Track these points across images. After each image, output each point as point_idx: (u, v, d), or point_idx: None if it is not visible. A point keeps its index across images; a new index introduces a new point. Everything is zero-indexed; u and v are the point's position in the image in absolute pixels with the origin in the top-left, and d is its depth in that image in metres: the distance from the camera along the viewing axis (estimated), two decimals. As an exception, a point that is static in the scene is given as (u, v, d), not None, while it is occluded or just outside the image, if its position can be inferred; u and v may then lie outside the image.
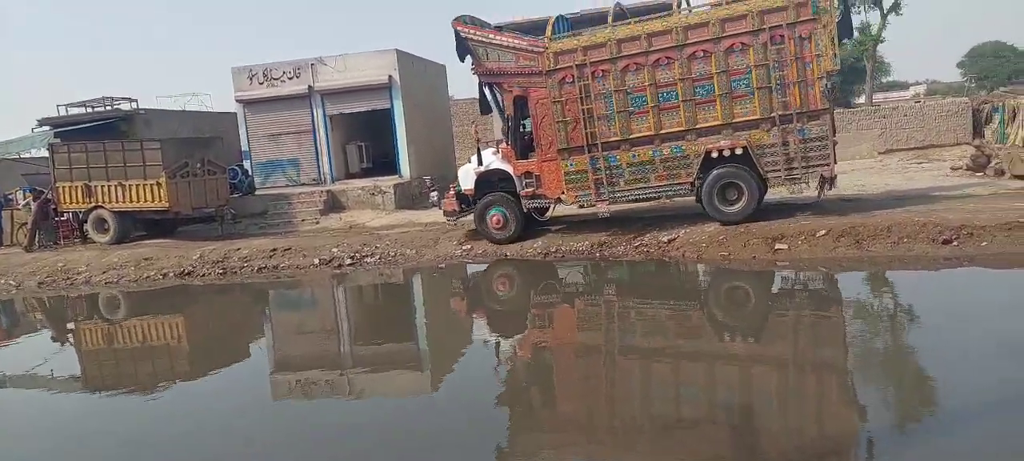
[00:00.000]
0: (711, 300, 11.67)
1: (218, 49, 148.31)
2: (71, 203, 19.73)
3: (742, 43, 13.07)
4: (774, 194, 14.67)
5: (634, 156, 14.03)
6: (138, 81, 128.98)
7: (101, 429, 8.11)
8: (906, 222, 12.29)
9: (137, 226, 20.01)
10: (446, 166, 25.06)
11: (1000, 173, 16.82)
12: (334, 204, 22.14)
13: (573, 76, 13.96)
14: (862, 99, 46.20)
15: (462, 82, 55.16)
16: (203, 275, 16.18)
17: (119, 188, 19.16)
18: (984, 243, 11.39)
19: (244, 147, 24.13)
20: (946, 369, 7.32)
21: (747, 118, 13.32)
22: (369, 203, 22.00)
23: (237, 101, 23.95)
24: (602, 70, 13.84)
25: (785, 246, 12.54)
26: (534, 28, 14.70)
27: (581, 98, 13.96)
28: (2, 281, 17.13)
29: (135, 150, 19.30)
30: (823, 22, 12.63)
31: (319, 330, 12.54)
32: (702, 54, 13.29)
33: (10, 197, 21.57)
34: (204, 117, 27.51)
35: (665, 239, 13.89)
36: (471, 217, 15.70)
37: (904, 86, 73.71)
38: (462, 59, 14.92)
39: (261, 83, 23.78)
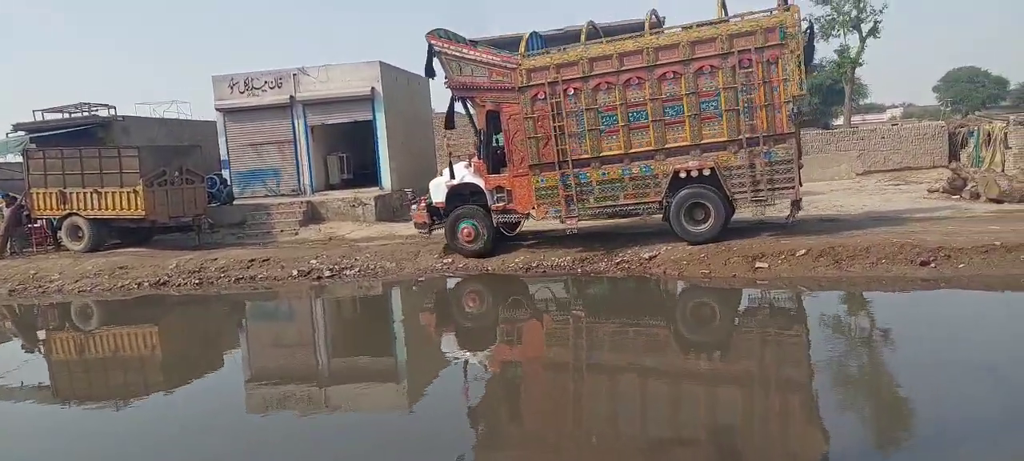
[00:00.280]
0: (690, 319, 11.69)
1: (199, 57, 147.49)
2: (45, 209, 19.38)
3: (711, 66, 13.20)
4: (746, 214, 14.75)
5: (604, 174, 14.08)
6: (117, 87, 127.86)
7: (68, 442, 7.96)
8: (884, 243, 12.41)
9: (112, 234, 19.68)
10: (428, 179, 24.67)
11: (976, 196, 17.05)
12: (314, 215, 21.94)
13: (545, 93, 14.03)
14: (840, 120, 46.84)
15: (446, 96, 54.95)
16: (179, 285, 15.97)
17: (95, 195, 18.85)
18: (961, 265, 11.54)
19: (223, 156, 23.88)
20: (923, 390, 7.38)
21: (715, 139, 13.42)
22: (349, 215, 21.83)
23: (217, 109, 23.72)
24: (574, 88, 13.92)
25: (766, 265, 12.62)
26: (509, 44, 14.77)
27: (553, 115, 14.02)
28: (-29, 288, 16.77)
29: (112, 157, 19.01)
30: (790, 48, 12.77)
31: (295, 343, 12.41)
32: (672, 75, 13.40)
33: (-18, 202, 21.16)
34: (184, 125, 27.29)
35: (646, 256, 13.92)
36: (443, 231, 15.65)
37: (881, 109, 74.90)
38: (430, 75, 15.00)
39: (242, 92, 23.58)
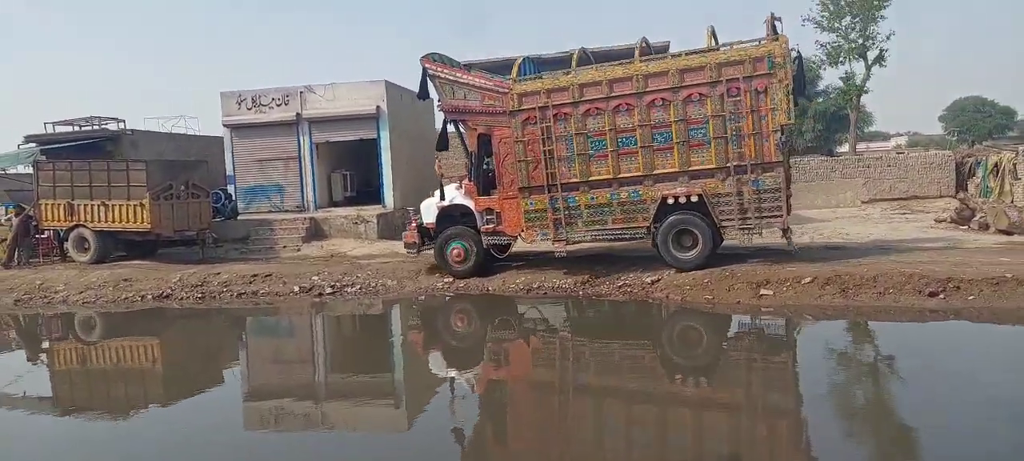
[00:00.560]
0: (693, 346, 11.60)
1: (199, 57, 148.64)
2: (53, 221, 19.59)
3: (700, 93, 13.28)
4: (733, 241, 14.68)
5: (592, 198, 14.15)
6: (117, 88, 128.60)
7: (67, 451, 8.03)
8: (892, 273, 12.26)
9: (118, 246, 19.87)
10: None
11: (984, 227, 16.95)
12: (316, 232, 22.02)
13: (536, 117, 14.16)
14: (845, 148, 46.76)
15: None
16: (182, 299, 16.04)
17: (102, 207, 19.02)
18: (971, 297, 11.34)
19: (229, 171, 24.04)
20: (933, 425, 7.18)
21: (703, 167, 13.49)
22: (352, 232, 21.91)
23: (224, 125, 23.94)
24: (564, 113, 14.05)
25: (770, 292, 12.51)
26: (502, 68, 14.96)
27: (543, 139, 14.16)
28: (-22, 297, 16.83)
29: (120, 170, 19.21)
30: (779, 77, 12.84)
31: (295, 359, 12.52)
32: (661, 102, 13.49)
33: (-8, 213, 21.32)
34: (191, 140, 27.51)
35: (649, 280, 13.87)
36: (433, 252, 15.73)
37: (886, 137, 74.79)
38: (423, 97, 15.26)
39: (250, 108, 23.84)
